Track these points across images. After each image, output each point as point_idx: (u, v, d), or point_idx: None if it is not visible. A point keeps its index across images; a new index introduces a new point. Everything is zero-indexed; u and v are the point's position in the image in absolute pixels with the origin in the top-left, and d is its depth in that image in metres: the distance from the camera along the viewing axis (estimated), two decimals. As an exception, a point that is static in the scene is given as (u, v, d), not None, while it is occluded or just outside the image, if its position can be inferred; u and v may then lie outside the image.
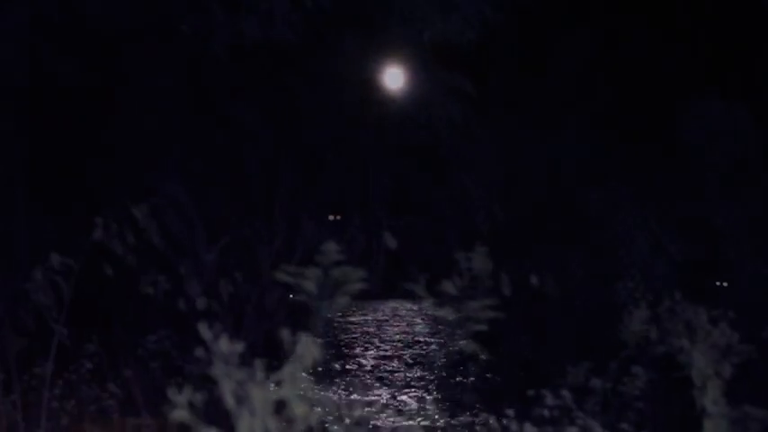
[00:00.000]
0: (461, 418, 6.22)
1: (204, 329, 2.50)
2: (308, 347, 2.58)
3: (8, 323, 7.21)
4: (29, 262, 6.99)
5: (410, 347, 7.96)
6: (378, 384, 5.78)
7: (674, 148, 12.69)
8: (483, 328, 7.56)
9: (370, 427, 2.73)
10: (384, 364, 8.07)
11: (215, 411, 4.93)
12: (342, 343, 7.50)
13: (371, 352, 7.70)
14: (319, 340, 2.58)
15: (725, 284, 7.81)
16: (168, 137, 13.32)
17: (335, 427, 2.62)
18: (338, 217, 17.73)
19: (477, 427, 6.00)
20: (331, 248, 6.74)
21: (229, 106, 12.50)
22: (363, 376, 7.01)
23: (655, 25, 14.82)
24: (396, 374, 7.82)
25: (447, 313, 7.25)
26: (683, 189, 12.16)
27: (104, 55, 14.01)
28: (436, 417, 4.11)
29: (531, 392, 7.05)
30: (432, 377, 7.01)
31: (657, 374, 6.52)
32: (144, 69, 14.02)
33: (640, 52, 14.93)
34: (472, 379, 7.55)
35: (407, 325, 7.09)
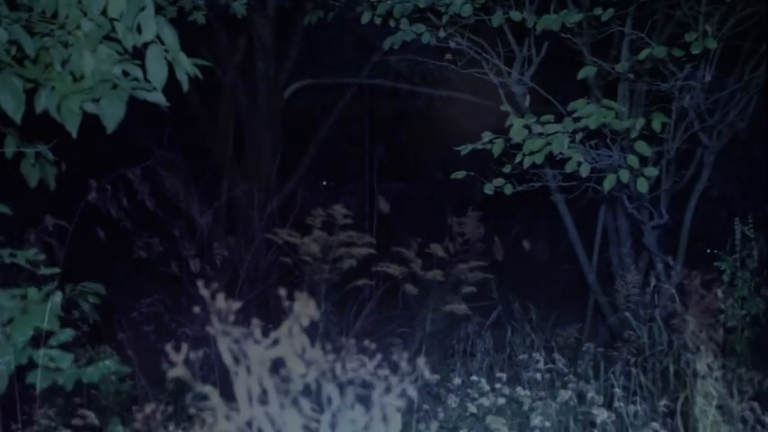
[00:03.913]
0: (455, 381, 6.25)
1: (201, 287, 2.51)
2: (304, 307, 2.60)
3: (3, 284, 7.22)
4: (23, 224, 6.99)
5: (402, 310, 7.99)
6: (372, 345, 5.81)
7: (668, 113, 12.69)
8: (472, 290, 7.62)
9: (365, 386, 2.74)
10: (378, 326, 8.09)
11: (210, 370, 4.95)
12: (338, 304, 7.52)
13: (365, 313, 7.73)
14: (316, 301, 2.58)
15: (716, 252, 7.85)
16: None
17: (331, 386, 2.64)
18: (332, 183, 17.78)
19: (470, 390, 6.03)
20: (339, 212, 6.76)
21: (222, 71, 12.48)
22: (358, 337, 7.03)
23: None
24: (389, 336, 7.84)
25: (437, 275, 7.31)
26: (676, 155, 12.17)
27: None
28: (429, 378, 4.13)
29: (523, 356, 7.10)
30: (423, 339, 7.02)
31: (650, 338, 6.55)
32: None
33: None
34: (464, 342, 7.59)
35: (399, 287, 7.16)
